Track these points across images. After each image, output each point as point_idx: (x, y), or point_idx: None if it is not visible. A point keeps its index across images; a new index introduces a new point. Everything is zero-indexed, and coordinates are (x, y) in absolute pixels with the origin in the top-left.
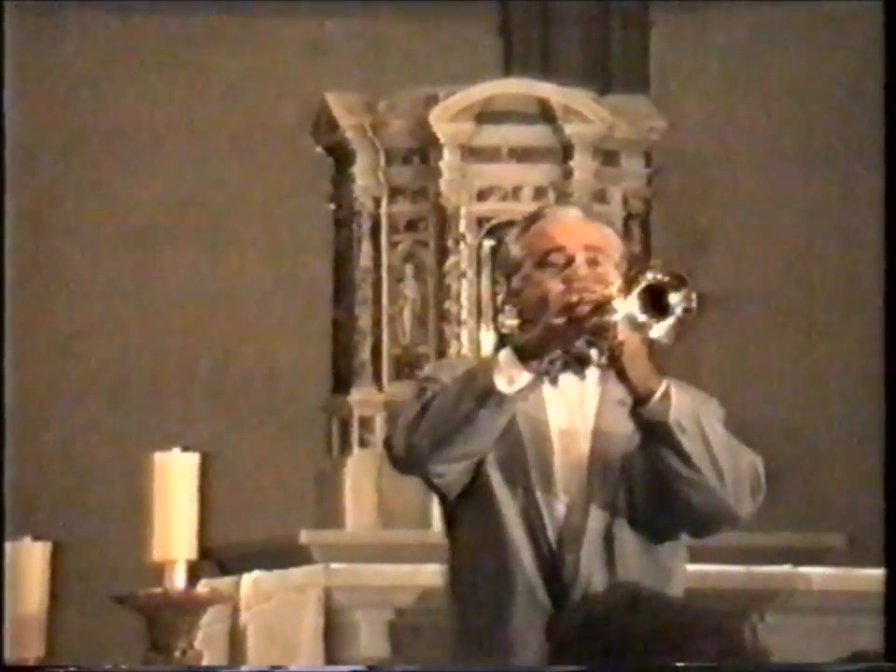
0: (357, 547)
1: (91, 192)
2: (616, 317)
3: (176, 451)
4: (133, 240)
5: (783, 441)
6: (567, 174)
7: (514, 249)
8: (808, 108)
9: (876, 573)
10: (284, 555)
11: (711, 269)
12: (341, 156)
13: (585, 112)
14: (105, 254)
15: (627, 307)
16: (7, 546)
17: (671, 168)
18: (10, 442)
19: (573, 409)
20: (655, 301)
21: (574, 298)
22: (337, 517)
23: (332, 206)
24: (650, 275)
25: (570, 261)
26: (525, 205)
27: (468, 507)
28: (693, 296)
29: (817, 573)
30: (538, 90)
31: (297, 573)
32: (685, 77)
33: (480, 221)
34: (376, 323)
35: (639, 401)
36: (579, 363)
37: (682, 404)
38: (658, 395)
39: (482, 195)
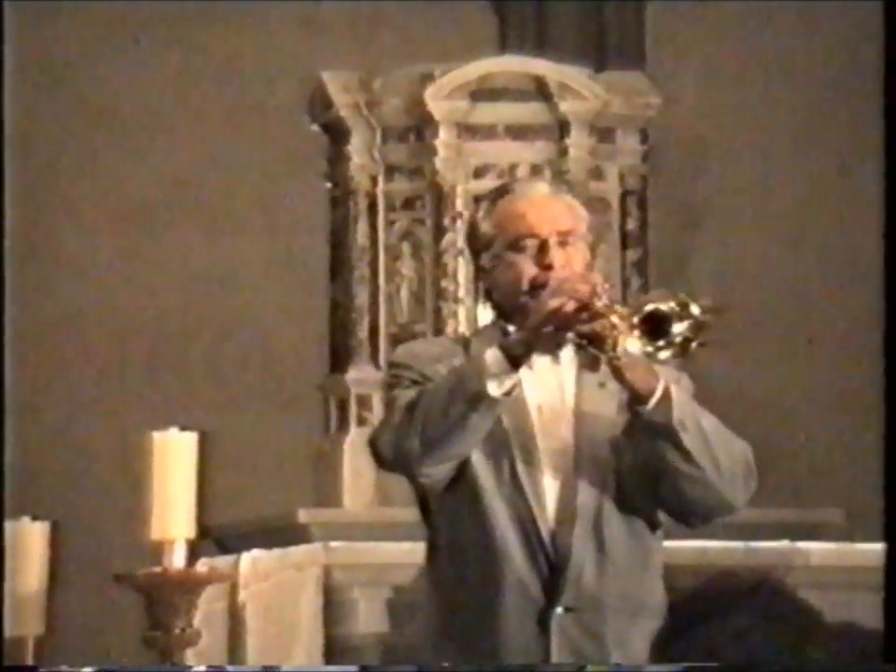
0: (355, 525)
1: (87, 172)
2: (621, 347)
3: (174, 430)
4: (129, 219)
5: (781, 416)
6: (563, 151)
7: (484, 226)
8: (805, 85)
9: (875, 548)
10: (282, 534)
11: (706, 245)
12: (336, 134)
13: (581, 89)
14: (101, 234)
15: (633, 343)
16: (7, 526)
17: (667, 145)
18: (9, 423)
19: (551, 391)
20: (659, 325)
21: (561, 302)
22: (335, 495)
23: (328, 185)
24: (656, 304)
25: (543, 246)
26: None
27: (450, 499)
28: (699, 323)
29: (815, 548)
30: (533, 67)
31: (296, 552)
32: (681, 54)
33: (476, 199)
34: (373, 301)
35: (639, 400)
36: (554, 346)
37: (682, 401)
38: (658, 395)
39: (478, 172)
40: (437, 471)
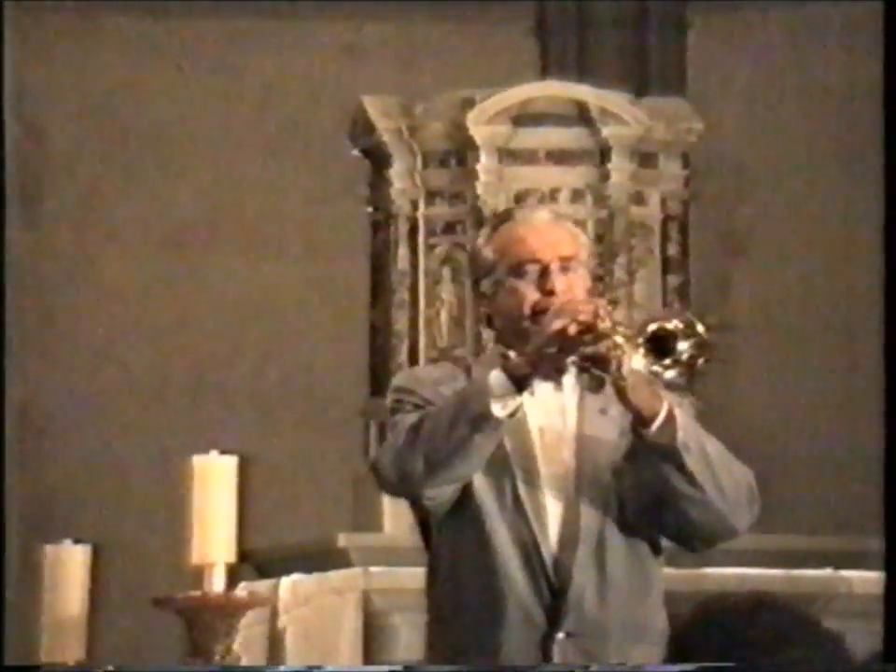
0: (395, 550)
1: (129, 196)
2: (626, 367)
3: (215, 454)
4: (171, 244)
5: (826, 442)
6: (605, 176)
7: (485, 252)
8: (846, 108)
9: None
10: (322, 558)
11: (748, 271)
12: (377, 159)
13: (622, 114)
14: (143, 257)
15: (638, 360)
16: (48, 549)
17: (709, 170)
18: (51, 446)
19: (553, 417)
20: (664, 344)
21: (564, 323)
22: (375, 520)
23: (369, 209)
24: (660, 323)
25: (545, 271)
26: (563, 208)
27: (452, 522)
28: (704, 341)
29: (858, 577)
30: (574, 92)
31: (335, 576)
32: (722, 79)
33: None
34: (413, 326)
35: (642, 423)
36: (556, 372)
37: (686, 424)
38: (662, 417)
39: (519, 197)
40: (440, 493)
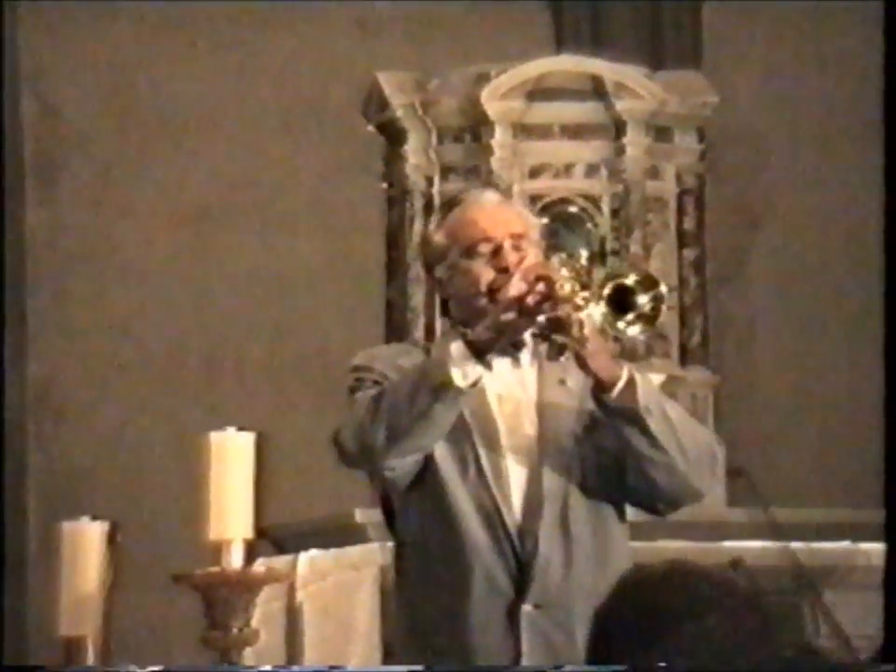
0: None
1: (145, 174)
2: (588, 323)
3: (232, 430)
4: (186, 221)
5: (845, 416)
6: (620, 150)
7: (437, 238)
8: (862, 81)
9: None
10: (339, 534)
11: (764, 244)
12: (392, 135)
13: (637, 88)
14: (159, 235)
15: (600, 316)
16: (65, 526)
17: (724, 143)
18: (69, 424)
19: (512, 388)
20: (624, 300)
21: (521, 290)
22: None
23: (384, 185)
24: (618, 280)
25: (497, 250)
26: (578, 182)
27: (414, 496)
28: (663, 294)
29: (877, 549)
30: (589, 66)
31: (353, 552)
32: (738, 52)
33: (532, 199)
34: (429, 302)
35: (603, 388)
36: (513, 347)
37: (646, 388)
38: (623, 382)
39: (534, 172)
40: (401, 464)
